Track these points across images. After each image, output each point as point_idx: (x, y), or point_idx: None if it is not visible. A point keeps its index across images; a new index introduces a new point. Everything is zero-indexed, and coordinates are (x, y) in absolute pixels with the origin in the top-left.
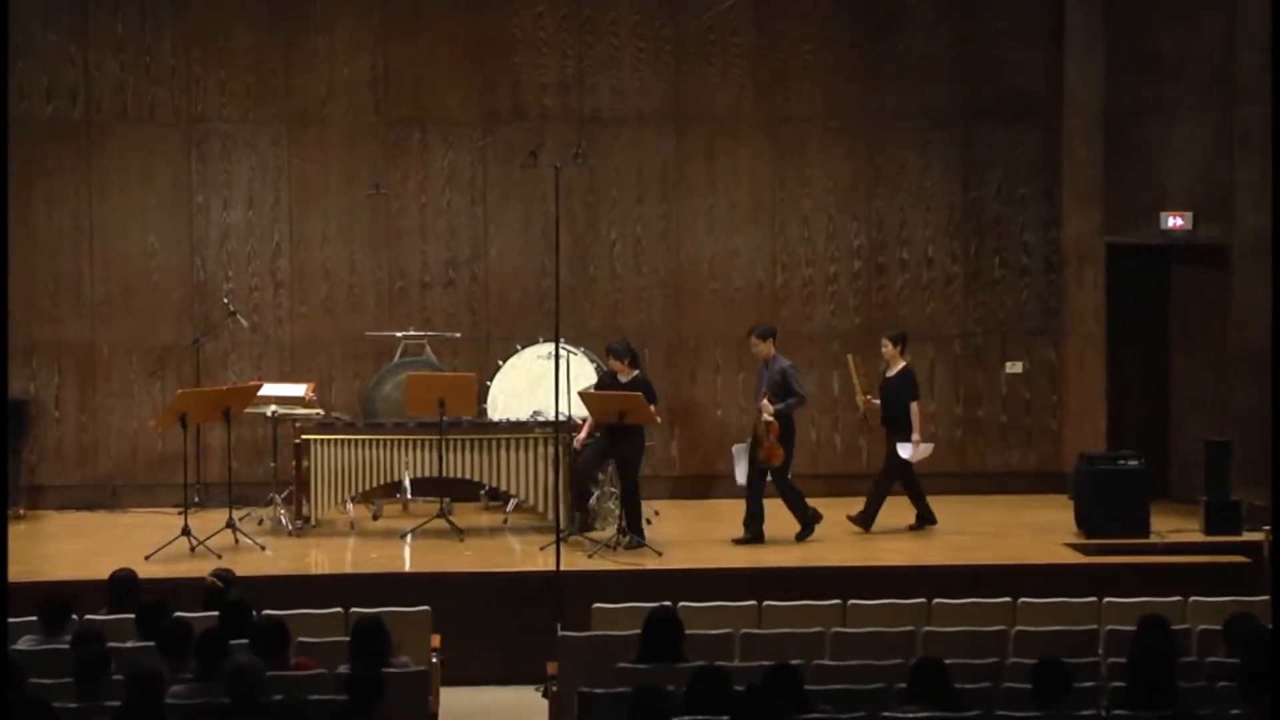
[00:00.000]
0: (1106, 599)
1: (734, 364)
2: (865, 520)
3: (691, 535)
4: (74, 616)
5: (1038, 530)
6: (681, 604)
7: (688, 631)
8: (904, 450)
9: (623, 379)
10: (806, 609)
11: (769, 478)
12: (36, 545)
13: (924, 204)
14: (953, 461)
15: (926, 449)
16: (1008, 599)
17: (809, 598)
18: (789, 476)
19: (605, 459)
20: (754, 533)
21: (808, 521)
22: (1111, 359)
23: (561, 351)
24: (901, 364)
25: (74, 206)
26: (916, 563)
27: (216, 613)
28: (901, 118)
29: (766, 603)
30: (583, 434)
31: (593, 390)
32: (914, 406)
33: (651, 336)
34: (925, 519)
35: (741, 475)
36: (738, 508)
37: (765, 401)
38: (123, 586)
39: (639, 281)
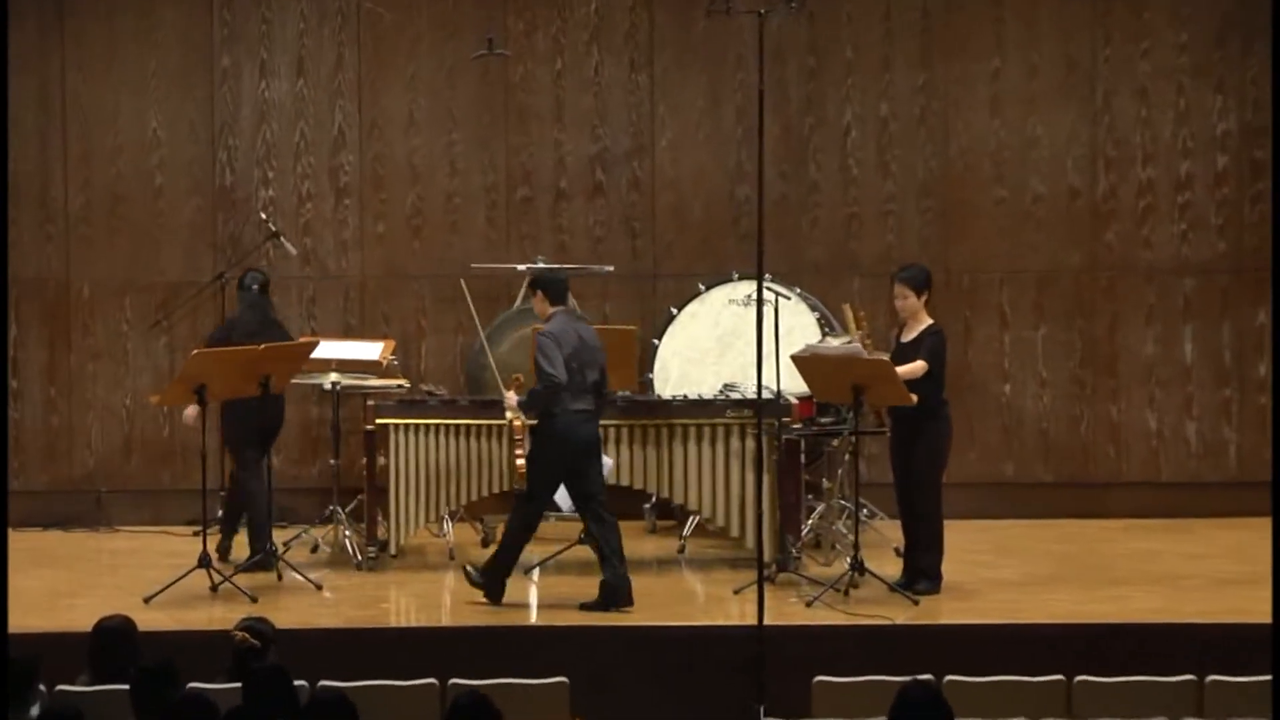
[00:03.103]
0: None
1: (1030, 311)
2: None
3: (964, 572)
4: (40, 686)
5: None
6: (948, 678)
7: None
8: None
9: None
10: (1144, 687)
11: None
12: None
13: None
14: None
15: None
16: None
17: (1148, 669)
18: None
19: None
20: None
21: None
22: None
23: (767, 294)
24: (926, 322)
25: (39, 75)
26: None
27: (249, 683)
28: None
29: (1080, 678)
30: None
31: (807, 353)
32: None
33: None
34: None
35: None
36: (1035, 531)
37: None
38: (113, 643)
39: (885, 188)
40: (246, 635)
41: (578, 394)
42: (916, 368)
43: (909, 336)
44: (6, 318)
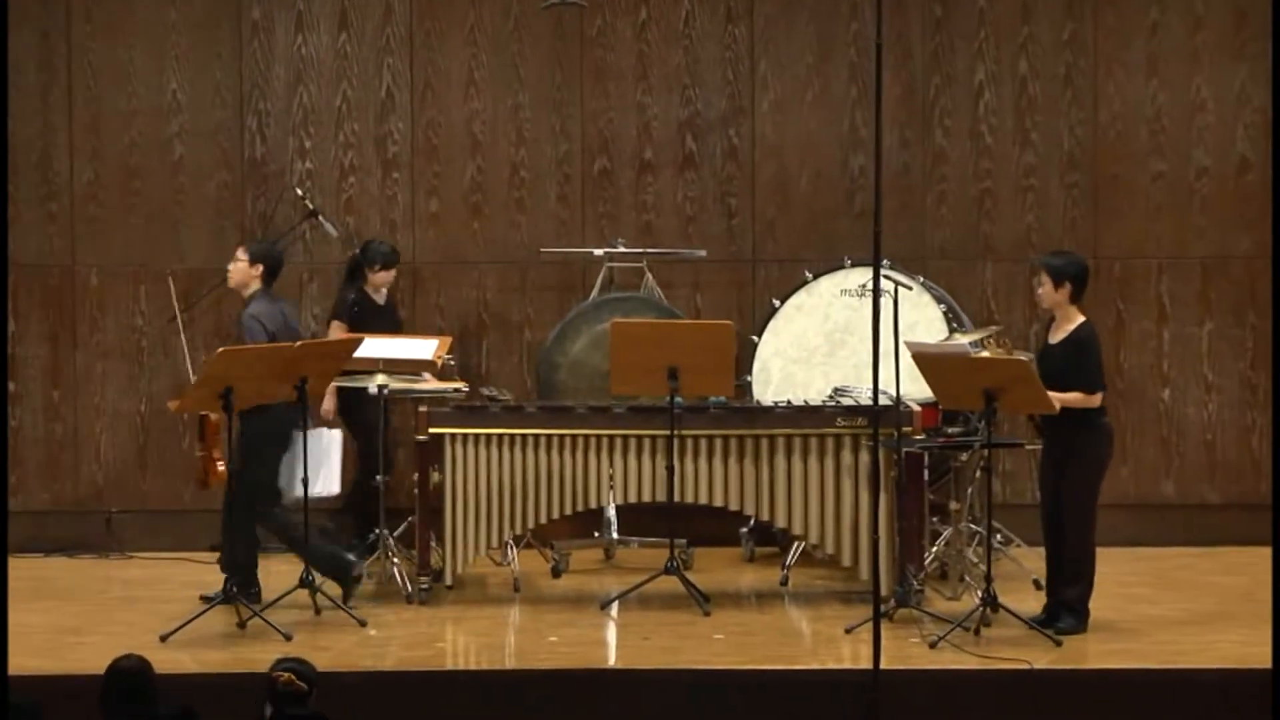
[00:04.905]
0: None
1: (1194, 304)
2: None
3: (1115, 608)
4: None
5: None
6: None
7: None
8: None
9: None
10: None
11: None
12: None
13: None
14: None
15: None
16: None
17: None
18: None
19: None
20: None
21: None
22: None
23: (885, 283)
24: (1077, 320)
25: (41, 27)
26: None
27: None
28: None
29: None
30: None
31: (922, 346)
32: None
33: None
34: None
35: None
36: (1199, 561)
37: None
38: (127, 686)
39: (1024, 160)
40: (292, 677)
41: None
42: (1073, 399)
43: (1057, 336)
44: (6, 304)
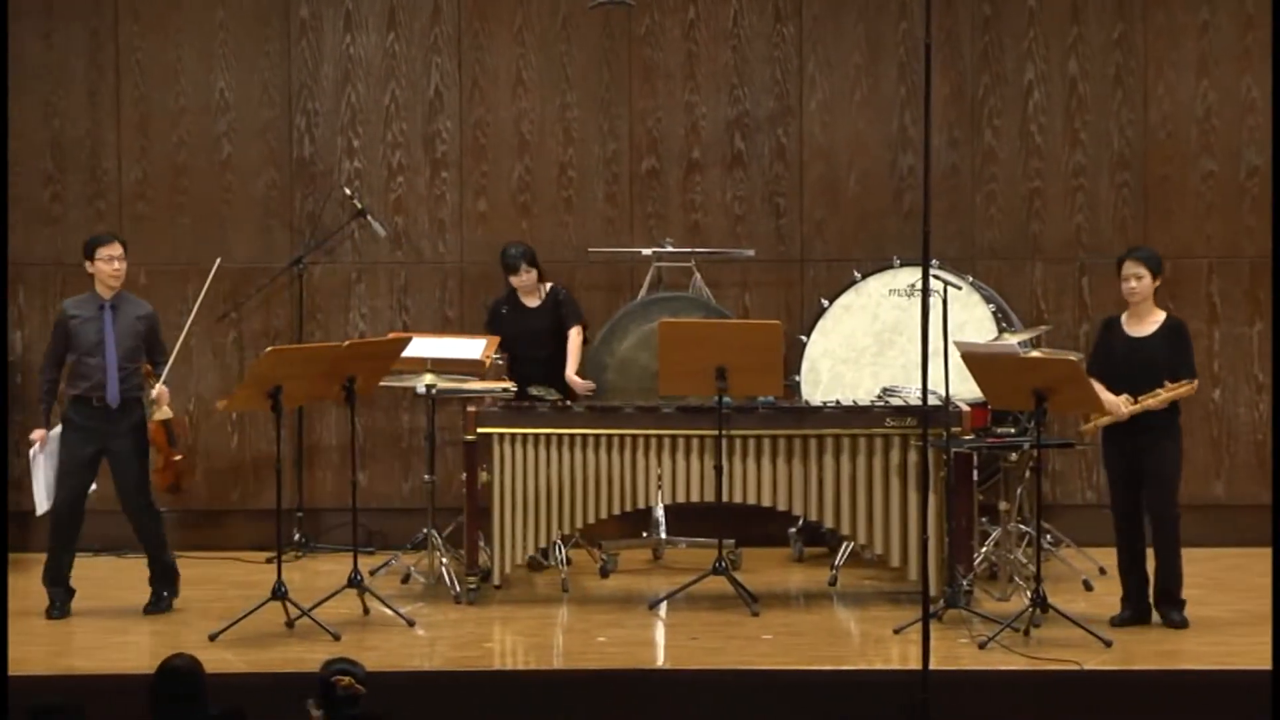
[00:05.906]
0: None
1: (1244, 303)
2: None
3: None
4: None
5: None
6: None
7: None
8: None
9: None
10: None
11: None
12: (17, 615)
13: None
14: None
15: None
16: None
17: None
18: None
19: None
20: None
21: None
22: None
23: (935, 283)
24: (1162, 313)
25: (90, 25)
26: None
27: None
28: None
29: None
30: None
31: (971, 346)
32: (1191, 388)
33: (1097, 255)
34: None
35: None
36: (1250, 562)
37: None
38: (178, 686)
39: (1073, 160)
40: (352, 681)
41: None
42: (1185, 391)
43: (1144, 329)
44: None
